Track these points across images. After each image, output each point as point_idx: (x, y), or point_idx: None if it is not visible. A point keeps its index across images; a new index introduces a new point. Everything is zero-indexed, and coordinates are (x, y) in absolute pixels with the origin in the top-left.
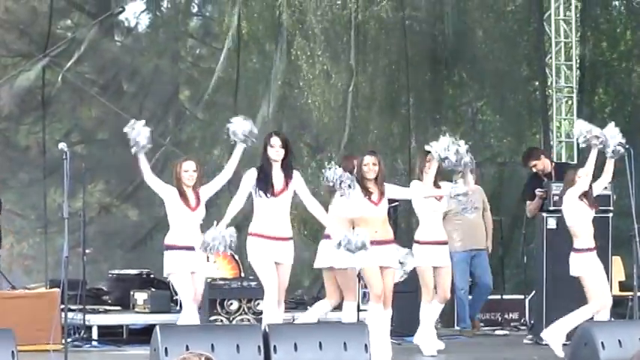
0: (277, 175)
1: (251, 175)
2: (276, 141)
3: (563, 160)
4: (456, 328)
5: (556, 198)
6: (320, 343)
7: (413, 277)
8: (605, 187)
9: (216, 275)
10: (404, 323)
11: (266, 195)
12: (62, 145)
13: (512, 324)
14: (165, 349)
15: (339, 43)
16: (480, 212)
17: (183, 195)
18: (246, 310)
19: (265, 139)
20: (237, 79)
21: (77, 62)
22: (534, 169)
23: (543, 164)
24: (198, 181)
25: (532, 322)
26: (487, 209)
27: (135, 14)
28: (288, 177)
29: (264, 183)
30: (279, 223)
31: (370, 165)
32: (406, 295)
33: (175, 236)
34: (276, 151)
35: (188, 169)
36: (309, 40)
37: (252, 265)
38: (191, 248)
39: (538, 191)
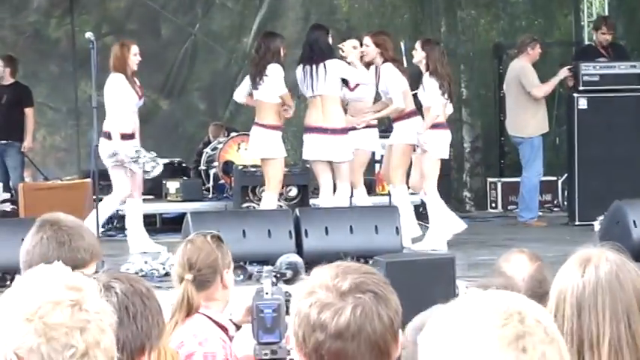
0: None
1: None
2: None
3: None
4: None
5: (586, 78)
6: (351, 227)
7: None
8: (634, 66)
9: (247, 162)
10: None
11: None
12: (89, 35)
13: (545, 205)
14: None
15: None
16: None
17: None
18: (278, 196)
19: None
20: None
21: None
22: (596, 39)
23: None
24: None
25: (565, 203)
26: None
27: None
28: None
29: None
30: None
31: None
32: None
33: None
34: None
35: (137, 53)
36: None
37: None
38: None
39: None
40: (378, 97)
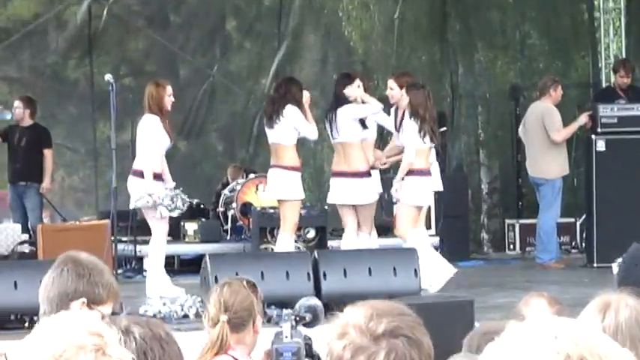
0: None
1: None
2: None
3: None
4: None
5: (604, 120)
6: (369, 269)
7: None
8: None
9: (265, 204)
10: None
11: None
12: (108, 77)
13: (564, 247)
14: (215, 277)
15: None
16: None
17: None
18: (296, 237)
19: None
20: (281, 7)
21: None
22: (615, 81)
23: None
24: None
25: (584, 244)
26: None
27: None
28: None
29: None
30: None
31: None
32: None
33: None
34: None
35: (171, 94)
36: None
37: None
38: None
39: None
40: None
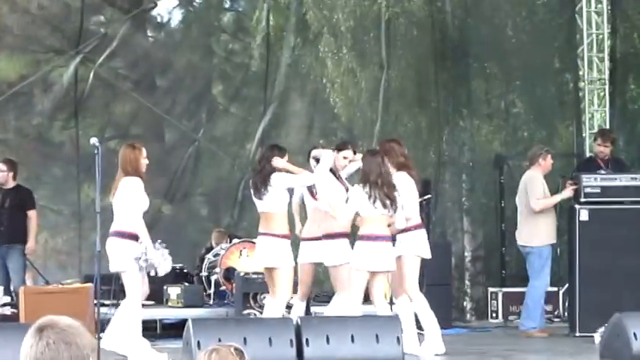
0: None
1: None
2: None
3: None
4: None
5: (587, 189)
6: (352, 336)
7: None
8: (635, 178)
9: (249, 269)
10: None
11: None
12: (94, 140)
13: (546, 316)
14: (198, 342)
15: (365, 39)
16: None
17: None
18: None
19: None
20: (267, 73)
21: (110, 58)
22: (595, 149)
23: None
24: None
25: (566, 314)
26: None
27: (167, 9)
28: None
29: None
30: None
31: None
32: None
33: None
34: None
35: (146, 156)
36: (336, 38)
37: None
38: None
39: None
40: None
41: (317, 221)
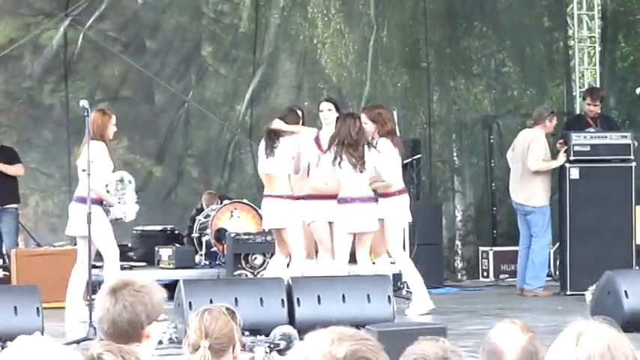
0: None
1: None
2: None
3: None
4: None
5: (577, 148)
6: (343, 296)
7: (435, 226)
8: (625, 136)
9: (240, 230)
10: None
11: None
12: (83, 103)
13: None
14: (189, 303)
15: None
16: None
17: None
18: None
19: None
20: (257, 34)
21: (99, 20)
22: (585, 108)
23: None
24: None
25: (557, 272)
26: None
27: None
28: None
29: None
30: None
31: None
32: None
33: None
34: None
35: (115, 124)
36: None
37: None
38: None
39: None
40: None
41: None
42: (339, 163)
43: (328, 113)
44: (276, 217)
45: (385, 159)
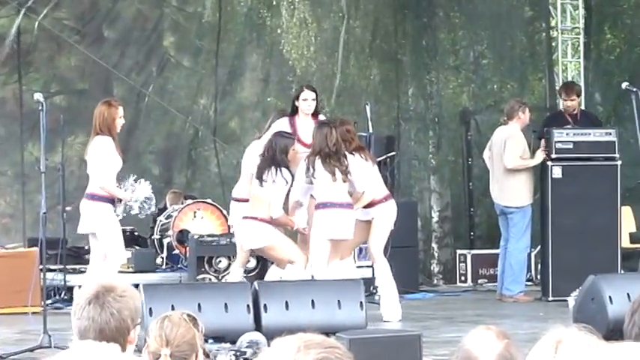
0: None
1: None
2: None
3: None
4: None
5: (559, 145)
6: (312, 301)
7: (411, 227)
8: (609, 133)
9: (203, 232)
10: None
11: None
12: (38, 96)
13: None
14: (150, 309)
15: None
16: None
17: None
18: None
19: None
20: (221, 24)
21: (54, 8)
22: (565, 106)
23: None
24: None
25: (538, 277)
26: None
27: None
28: None
29: None
30: None
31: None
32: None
33: None
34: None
35: (122, 116)
36: None
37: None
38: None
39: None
40: None
41: None
42: (312, 174)
43: (312, 103)
44: (256, 238)
45: (358, 172)
